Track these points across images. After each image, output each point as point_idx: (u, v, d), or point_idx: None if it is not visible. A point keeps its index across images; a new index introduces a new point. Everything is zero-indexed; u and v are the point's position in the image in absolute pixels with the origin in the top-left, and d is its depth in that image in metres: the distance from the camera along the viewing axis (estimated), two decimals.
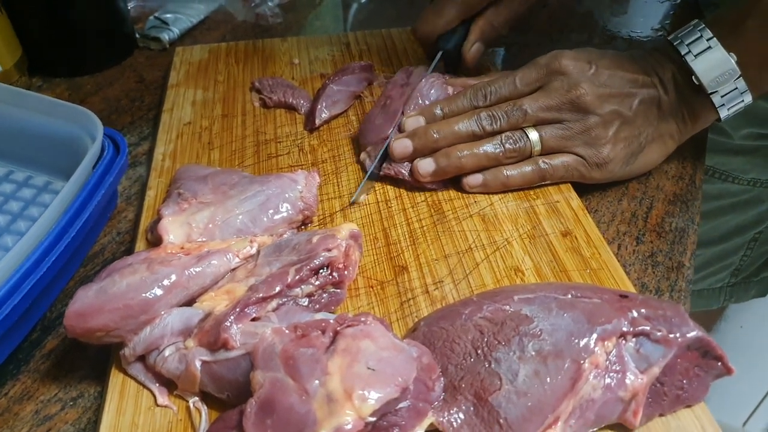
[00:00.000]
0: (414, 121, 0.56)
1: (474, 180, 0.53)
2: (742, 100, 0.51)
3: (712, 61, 0.50)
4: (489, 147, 0.52)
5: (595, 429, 0.37)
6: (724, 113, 0.51)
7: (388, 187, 0.54)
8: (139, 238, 0.49)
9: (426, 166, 0.53)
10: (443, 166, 0.52)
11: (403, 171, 0.54)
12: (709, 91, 0.50)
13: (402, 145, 0.53)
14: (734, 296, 0.90)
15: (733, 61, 0.49)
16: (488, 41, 0.63)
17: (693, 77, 0.50)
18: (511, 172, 0.53)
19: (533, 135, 0.52)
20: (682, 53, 0.50)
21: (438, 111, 0.55)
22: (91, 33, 0.73)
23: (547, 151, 0.53)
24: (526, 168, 0.53)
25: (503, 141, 0.52)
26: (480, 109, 0.54)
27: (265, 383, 0.33)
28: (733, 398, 1.20)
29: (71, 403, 0.42)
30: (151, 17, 0.81)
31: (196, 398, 0.39)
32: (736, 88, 0.50)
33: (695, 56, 0.50)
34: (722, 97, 0.50)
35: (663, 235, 0.53)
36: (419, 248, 0.48)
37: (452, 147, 0.53)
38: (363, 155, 0.56)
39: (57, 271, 0.43)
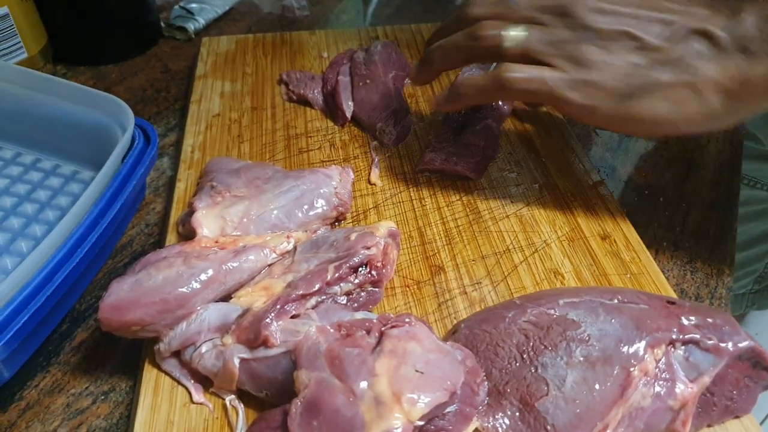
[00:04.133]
0: None
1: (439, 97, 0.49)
2: None
3: None
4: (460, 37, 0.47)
5: None
6: None
7: (422, 184, 0.53)
8: (169, 230, 0.48)
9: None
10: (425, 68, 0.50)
11: None
12: None
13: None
14: (756, 303, 0.89)
15: None
16: None
17: None
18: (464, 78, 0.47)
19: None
20: None
21: None
22: (117, 21, 0.72)
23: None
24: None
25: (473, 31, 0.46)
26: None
27: (311, 383, 0.32)
28: None
29: (103, 397, 0.41)
30: (177, 7, 0.80)
31: (233, 396, 0.38)
32: None
33: None
34: None
35: (701, 241, 0.52)
36: (455, 248, 0.47)
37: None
38: (379, 126, 0.58)
39: (88, 263, 0.42)
